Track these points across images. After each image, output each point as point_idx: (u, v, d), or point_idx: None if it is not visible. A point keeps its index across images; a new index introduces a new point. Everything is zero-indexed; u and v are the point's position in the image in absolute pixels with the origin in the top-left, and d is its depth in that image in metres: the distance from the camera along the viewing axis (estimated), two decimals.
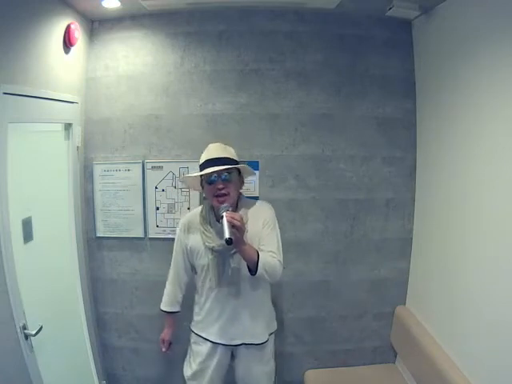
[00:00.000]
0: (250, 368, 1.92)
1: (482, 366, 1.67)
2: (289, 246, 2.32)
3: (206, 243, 1.78)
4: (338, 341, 2.51)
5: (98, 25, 2.34)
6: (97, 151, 2.39)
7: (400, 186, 2.42)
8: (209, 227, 1.81)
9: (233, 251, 1.74)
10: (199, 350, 1.93)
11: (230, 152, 1.81)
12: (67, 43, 2.03)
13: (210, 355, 1.90)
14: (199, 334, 1.92)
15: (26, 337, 1.62)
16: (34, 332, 1.63)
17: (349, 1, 2.12)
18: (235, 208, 1.79)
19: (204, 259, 1.82)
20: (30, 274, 1.77)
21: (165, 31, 2.32)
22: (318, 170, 2.38)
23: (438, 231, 2.14)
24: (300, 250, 2.42)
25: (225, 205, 1.68)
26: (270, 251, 1.74)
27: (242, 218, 1.64)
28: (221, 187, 1.72)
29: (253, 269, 1.68)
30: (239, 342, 1.86)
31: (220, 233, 1.68)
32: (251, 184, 2.33)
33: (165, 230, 2.40)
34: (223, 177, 1.72)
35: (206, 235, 1.79)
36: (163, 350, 2.02)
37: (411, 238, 2.45)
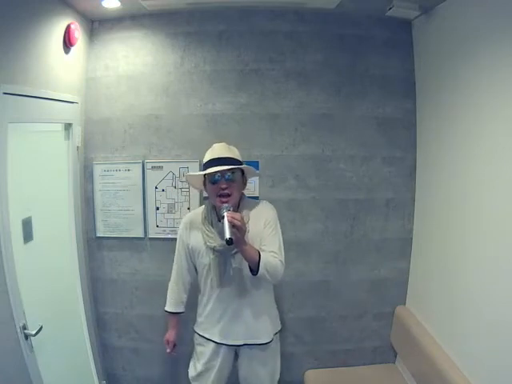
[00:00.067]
0: (253, 368, 1.91)
1: (481, 366, 1.67)
2: (289, 246, 2.31)
3: (208, 243, 1.78)
4: (337, 341, 2.52)
5: (98, 25, 2.34)
6: (97, 151, 2.39)
7: (400, 186, 2.42)
8: (210, 227, 1.81)
9: (234, 251, 1.74)
10: (203, 351, 1.93)
11: (234, 152, 1.81)
12: (67, 43, 2.03)
13: (213, 356, 1.90)
14: (202, 334, 1.92)
15: (26, 337, 1.62)
16: (34, 332, 1.62)
17: (349, 1, 2.12)
18: (237, 208, 1.79)
19: (205, 259, 1.82)
20: (29, 274, 1.77)
21: (165, 31, 2.32)
22: (318, 170, 2.38)
23: (438, 231, 2.14)
24: (300, 250, 2.42)
25: (226, 205, 1.68)
26: (272, 251, 1.74)
27: (242, 218, 1.64)
28: (224, 187, 1.72)
29: (254, 269, 1.68)
30: (242, 343, 1.86)
31: (221, 233, 1.67)
32: (251, 184, 2.33)
33: (165, 230, 2.40)
34: (227, 177, 1.73)
35: (207, 235, 1.79)
36: (168, 351, 2.01)
37: (411, 238, 2.45)
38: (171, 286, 1.99)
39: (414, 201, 2.42)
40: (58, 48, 1.99)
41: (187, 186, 2.36)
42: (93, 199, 2.40)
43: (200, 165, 2.31)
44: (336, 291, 2.47)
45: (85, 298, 2.31)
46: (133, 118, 2.36)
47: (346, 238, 2.43)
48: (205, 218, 1.84)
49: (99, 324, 2.49)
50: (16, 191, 1.65)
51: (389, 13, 2.15)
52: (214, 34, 2.30)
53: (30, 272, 1.79)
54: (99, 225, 2.42)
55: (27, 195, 1.89)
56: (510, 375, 1.50)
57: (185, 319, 2.05)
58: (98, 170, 2.38)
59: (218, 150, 1.80)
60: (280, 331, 2.00)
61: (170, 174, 2.37)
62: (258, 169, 2.32)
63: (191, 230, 1.88)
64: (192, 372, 1.99)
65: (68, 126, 2.18)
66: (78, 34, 2.09)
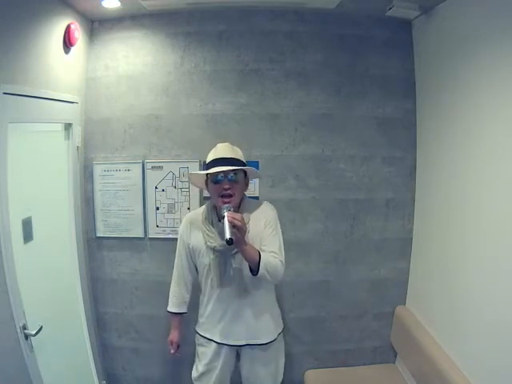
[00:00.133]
0: (255, 368, 1.91)
1: (482, 366, 1.67)
2: (289, 246, 2.31)
3: (208, 243, 1.78)
4: (338, 341, 2.52)
5: (98, 25, 2.34)
6: (97, 151, 2.39)
7: (400, 186, 2.42)
8: (211, 227, 1.81)
9: (234, 251, 1.74)
10: (204, 352, 1.93)
11: (237, 153, 1.81)
12: (67, 43, 2.03)
13: (215, 356, 1.90)
14: (204, 335, 1.92)
15: (26, 337, 1.62)
16: (34, 332, 1.62)
17: (349, 1, 2.12)
18: (237, 208, 1.79)
19: (206, 259, 1.82)
20: (30, 274, 1.77)
21: (165, 31, 2.32)
22: (318, 170, 2.38)
23: (438, 231, 2.14)
24: (300, 250, 2.42)
25: (226, 205, 1.69)
26: (272, 251, 1.74)
27: (243, 219, 1.65)
28: (227, 187, 1.72)
29: (254, 269, 1.68)
30: (243, 343, 1.86)
31: (222, 233, 1.68)
32: (251, 184, 2.32)
33: (165, 230, 2.40)
34: (229, 177, 1.73)
35: (207, 235, 1.79)
36: (172, 351, 2.00)
37: (411, 238, 2.45)
38: (173, 286, 1.99)
39: (414, 201, 2.42)
40: (57, 48, 1.99)
41: (187, 186, 2.36)
42: (93, 199, 2.40)
43: (200, 165, 2.32)
44: (336, 291, 2.47)
45: (85, 298, 2.31)
46: (133, 117, 2.36)
47: (346, 238, 2.43)
48: (205, 217, 1.84)
49: (99, 324, 2.49)
50: (16, 191, 1.65)
51: (389, 13, 2.15)
52: (214, 34, 2.30)
53: (30, 272, 1.79)
54: (99, 225, 2.42)
55: (27, 195, 1.89)
56: (509, 375, 1.50)
57: (187, 319, 2.04)
58: (97, 170, 2.38)
59: (221, 150, 1.80)
60: (283, 331, 2.00)
61: (170, 173, 2.37)
62: (258, 169, 2.32)
63: (192, 229, 1.88)
64: (194, 373, 1.99)
65: (68, 126, 2.18)
66: (78, 33, 2.09)
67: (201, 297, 1.94)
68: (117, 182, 2.38)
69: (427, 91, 2.25)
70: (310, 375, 2.43)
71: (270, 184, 2.38)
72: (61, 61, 2.03)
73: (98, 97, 2.37)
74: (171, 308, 1.99)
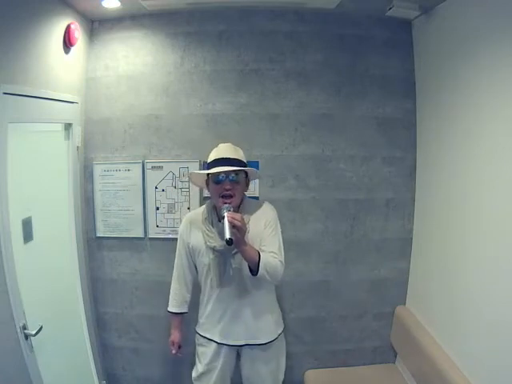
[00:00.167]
0: (255, 368, 1.91)
1: (482, 366, 1.67)
2: (289, 246, 2.31)
3: (208, 243, 1.78)
4: (338, 341, 2.52)
5: (98, 25, 2.34)
6: (97, 151, 2.39)
7: (400, 186, 2.42)
8: (210, 227, 1.81)
9: (234, 251, 1.74)
10: (204, 352, 1.93)
11: (239, 154, 1.81)
12: (67, 43, 2.03)
13: (215, 356, 1.90)
14: (203, 335, 1.92)
15: (26, 337, 1.62)
16: (34, 332, 1.62)
17: (349, 1, 2.12)
18: (237, 208, 1.79)
19: (205, 258, 1.82)
20: (30, 274, 1.77)
21: (165, 31, 2.32)
22: (318, 170, 2.38)
23: (438, 231, 2.14)
24: (300, 250, 2.42)
25: (226, 205, 1.69)
26: (272, 252, 1.74)
27: (242, 219, 1.65)
28: (228, 188, 1.72)
29: (254, 269, 1.68)
30: (243, 343, 1.86)
31: (222, 233, 1.68)
32: (251, 184, 2.32)
33: (165, 230, 2.40)
34: (231, 177, 1.73)
35: (207, 235, 1.79)
36: (173, 352, 1.99)
37: (411, 238, 2.45)
38: (173, 285, 1.99)
39: (414, 201, 2.42)
40: (58, 48, 1.99)
41: (187, 186, 2.36)
42: (93, 199, 2.40)
43: (200, 165, 2.32)
44: (336, 291, 2.47)
45: (85, 298, 2.31)
46: (133, 117, 2.36)
47: (346, 238, 2.43)
48: (205, 217, 1.85)
49: (99, 324, 2.49)
50: (16, 191, 1.65)
51: (389, 13, 2.15)
52: (214, 34, 2.30)
53: (30, 272, 1.79)
54: (99, 225, 2.42)
55: (27, 195, 1.89)
56: (509, 375, 1.50)
57: (187, 320, 2.04)
58: (98, 170, 2.38)
59: (223, 150, 1.80)
60: (283, 331, 1.99)
61: (170, 173, 2.37)
62: (258, 169, 2.32)
63: (192, 229, 1.88)
64: (194, 373, 1.99)
65: (68, 126, 2.18)
66: (78, 33, 2.09)
67: (201, 297, 1.94)
68: (117, 181, 2.38)
69: (427, 91, 2.25)
70: (310, 375, 2.43)
71: (269, 184, 2.38)
72: (61, 61, 2.03)
73: (98, 97, 2.37)
74: (172, 308, 1.99)
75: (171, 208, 2.39)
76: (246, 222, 1.70)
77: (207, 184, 1.85)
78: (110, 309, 2.49)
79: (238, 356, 1.94)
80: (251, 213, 1.82)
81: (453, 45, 1.94)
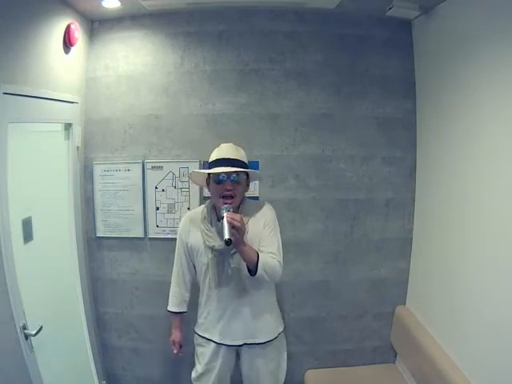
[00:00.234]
0: (255, 367, 1.91)
1: (482, 366, 1.67)
2: (289, 246, 2.32)
3: (207, 242, 1.78)
4: (338, 341, 2.52)
5: (98, 25, 2.34)
6: (97, 151, 2.39)
7: (400, 186, 2.42)
8: (209, 226, 1.81)
9: (233, 251, 1.74)
10: (203, 352, 1.93)
11: (240, 154, 1.82)
12: (67, 43, 2.03)
13: (213, 357, 1.90)
14: (202, 335, 1.92)
15: (26, 337, 1.62)
16: (34, 332, 1.62)
17: (349, 1, 2.12)
18: (237, 209, 1.79)
19: (204, 258, 1.82)
20: (30, 274, 1.77)
21: (165, 31, 2.32)
22: (318, 170, 2.38)
23: (438, 231, 2.14)
24: (300, 250, 2.42)
25: (226, 205, 1.69)
26: (270, 252, 1.74)
27: (242, 219, 1.65)
28: (229, 188, 1.73)
29: (252, 269, 1.68)
30: (241, 343, 1.86)
31: (221, 232, 1.68)
32: (251, 184, 2.33)
33: (165, 230, 2.40)
34: (232, 178, 1.73)
35: (206, 234, 1.80)
36: (175, 352, 2.00)
37: (411, 238, 2.45)
38: (173, 285, 1.99)
39: (414, 201, 2.42)
40: (58, 48, 1.99)
41: (187, 186, 2.36)
42: (93, 199, 2.40)
43: (200, 165, 2.32)
44: (336, 291, 2.47)
45: (85, 298, 2.31)
46: (133, 117, 2.36)
47: (346, 238, 2.43)
48: (204, 217, 1.85)
49: (99, 324, 2.49)
50: (16, 191, 1.65)
51: (389, 13, 2.15)
52: (214, 34, 2.30)
53: (30, 272, 1.79)
54: (99, 225, 2.42)
55: (27, 195, 1.89)
56: (509, 375, 1.50)
57: (188, 319, 2.04)
58: (98, 170, 2.38)
59: (225, 150, 1.80)
60: (283, 331, 2.00)
61: (170, 173, 2.37)
62: (258, 169, 2.32)
63: (190, 228, 1.88)
64: (193, 373, 1.99)
65: (68, 126, 2.18)
66: (78, 34, 2.09)
67: (199, 297, 1.94)
68: (117, 181, 2.38)
69: (427, 91, 2.25)
70: (310, 375, 2.43)
71: (269, 184, 2.38)
72: (61, 61, 2.03)
73: (98, 97, 2.37)
74: (171, 307, 1.99)
75: (171, 208, 2.39)
76: (245, 222, 1.70)
77: (207, 183, 1.85)
78: (110, 309, 2.49)
79: (238, 355, 1.94)
80: (250, 213, 1.82)
81: (453, 45, 1.94)
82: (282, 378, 2.00)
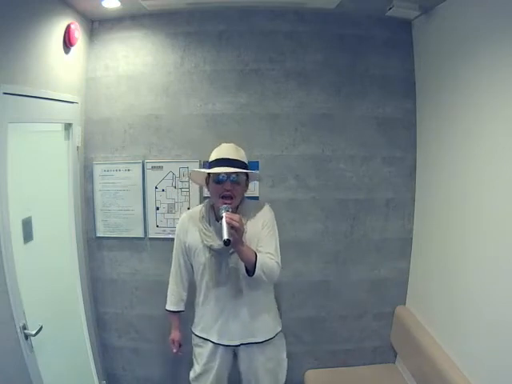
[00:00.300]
0: (253, 365, 1.91)
1: (482, 366, 1.67)
2: (289, 246, 2.33)
3: (205, 242, 1.78)
4: (338, 341, 2.52)
5: (98, 25, 2.34)
6: (97, 151, 2.39)
7: (400, 186, 2.42)
8: (208, 225, 1.81)
9: (231, 251, 1.74)
10: (201, 352, 1.93)
11: (241, 155, 1.81)
12: (67, 43, 2.03)
13: (211, 357, 1.89)
14: (200, 335, 1.92)
15: (26, 337, 1.62)
16: (34, 332, 1.62)
17: (349, 1, 2.12)
18: (236, 209, 1.79)
19: (201, 257, 1.82)
20: (30, 274, 1.77)
21: (165, 31, 2.32)
22: (318, 170, 2.38)
23: (438, 231, 2.14)
24: (300, 250, 2.42)
25: (225, 205, 1.68)
26: (268, 253, 1.74)
27: (241, 219, 1.64)
28: (228, 188, 1.72)
29: (250, 270, 1.68)
30: (238, 343, 1.86)
31: (219, 232, 1.68)
32: (251, 184, 2.32)
33: (165, 230, 2.40)
34: (232, 178, 1.73)
35: (204, 233, 1.80)
36: (174, 351, 2.00)
37: (411, 238, 2.45)
38: (170, 284, 1.99)
39: (414, 201, 2.42)
40: (58, 48, 1.99)
41: (187, 186, 2.36)
42: (93, 199, 2.40)
43: (200, 164, 2.32)
44: (336, 291, 2.47)
45: (85, 298, 2.31)
46: (133, 117, 2.36)
47: (346, 238, 2.43)
48: (202, 216, 1.84)
49: (99, 324, 2.49)
50: (16, 191, 1.65)
51: (389, 13, 2.15)
52: (214, 34, 2.30)
53: (30, 272, 1.79)
54: (99, 225, 2.42)
55: (27, 195, 1.89)
56: (509, 375, 1.50)
57: (188, 319, 2.04)
58: (98, 170, 2.38)
59: (225, 150, 1.80)
60: (281, 331, 1.99)
61: (170, 173, 2.37)
62: (258, 169, 2.32)
63: (188, 227, 1.88)
64: (192, 374, 1.99)
65: (68, 126, 2.18)
66: (78, 34, 2.09)
67: (196, 296, 1.94)
68: (117, 181, 2.38)
69: (427, 91, 2.25)
70: (310, 375, 2.43)
71: (269, 184, 2.38)
72: (61, 61, 2.03)
73: (98, 97, 2.37)
74: (169, 306, 1.99)
75: (171, 208, 2.39)
76: (243, 222, 1.69)
77: (207, 183, 1.85)
78: (110, 309, 2.49)
79: (235, 355, 1.94)
80: (249, 213, 1.82)
81: (453, 45, 1.94)
82: (283, 377, 2.00)
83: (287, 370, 2.03)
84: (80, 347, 2.30)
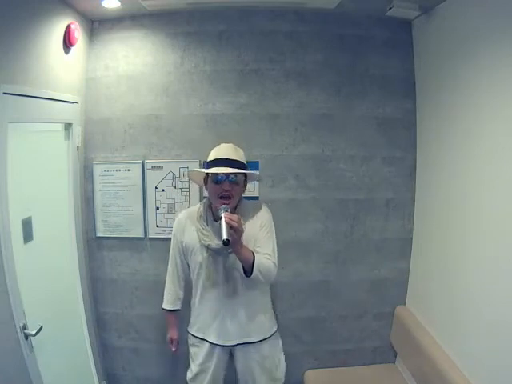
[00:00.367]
0: (249, 365, 1.91)
1: (482, 366, 1.67)
2: (289, 246, 2.33)
3: (202, 241, 1.78)
4: (338, 341, 2.52)
5: (98, 25, 2.34)
6: (97, 151, 2.39)
7: (400, 186, 2.42)
8: (205, 225, 1.81)
9: (229, 251, 1.74)
10: (197, 352, 1.93)
11: (240, 155, 1.81)
12: (67, 43, 2.03)
13: (208, 357, 1.90)
14: (196, 335, 1.92)
15: (26, 337, 1.62)
16: (34, 332, 1.62)
17: (349, 1, 2.12)
18: (234, 209, 1.79)
19: (198, 257, 1.82)
20: (30, 274, 1.77)
21: (165, 31, 2.32)
22: (318, 170, 2.38)
23: (438, 231, 2.14)
24: (300, 250, 2.42)
25: (224, 206, 1.69)
26: (266, 253, 1.75)
27: (239, 220, 1.64)
28: (227, 188, 1.72)
29: (248, 270, 1.68)
30: (234, 343, 1.86)
31: (217, 232, 1.68)
32: (251, 184, 2.33)
33: (165, 230, 2.40)
34: (230, 178, 1.73)
35: (202, 233, 1.79)
36: (173, 349, 2.01)
37: (411, 238, 2.45)
38: (167, 283, 2.00)
39: (414, 201, 2.42)
40: (58, 48, 1.99)
41: (187, 186, 2.36)
42: (93, 199, 2.40)
43: (200, 164, 2.32)
44: (336, 291, 2.47)
45: (85, 298, 2.31)
46: (133, 117, 2.36)
47: (346, 238, 2.43)
48: (200, 215, 1.84)
49: (99, 324, 2.49)
50: (16, 191, 1.65)
51: (389, 13, 2.15)
52: (214, 34, 2.30)
53: (30, 272, 1.79)
54: (99, 225, 2.42)
55: (27, 195, 1.89)
56: (509, 375, 1.50)
57: (187, 318, 2.04)
58: (98, 170, 2.38)
59: (224, 150, 1.80)
60: (277, 330, 1.99)
61: (170, 173, 2.37)
62: (258, 169, 2.32)
63: (185, 227, 1.88)
64: (189, 374, 1.99)
65: (68, 126, 2.18)
66: (78, 33, 2.09)
67: (193, 296, 1.94)
68: (117, 181, 2.38)
69: (427, 91, 2.25)
70: (310, 375, 2.43)
71: (270, 184, 2.38)
72: (61, 61, 2.03)
73: (98, 97, 2.37)
74: (166, 305, 2.00)
75: (171, 208, 2.39)
76: (242, 222, 1.69)
77: (205, 183, 1.84)
78: (110, 309, 2.49)
79: (231, 354, 1.94)
80: (247, 214, 1.82)
81: (453, 45, 1.94)
82: (280, 377, 2.00)
83: (287, 370, 2.03)
84: (80, 347, 2.30)
